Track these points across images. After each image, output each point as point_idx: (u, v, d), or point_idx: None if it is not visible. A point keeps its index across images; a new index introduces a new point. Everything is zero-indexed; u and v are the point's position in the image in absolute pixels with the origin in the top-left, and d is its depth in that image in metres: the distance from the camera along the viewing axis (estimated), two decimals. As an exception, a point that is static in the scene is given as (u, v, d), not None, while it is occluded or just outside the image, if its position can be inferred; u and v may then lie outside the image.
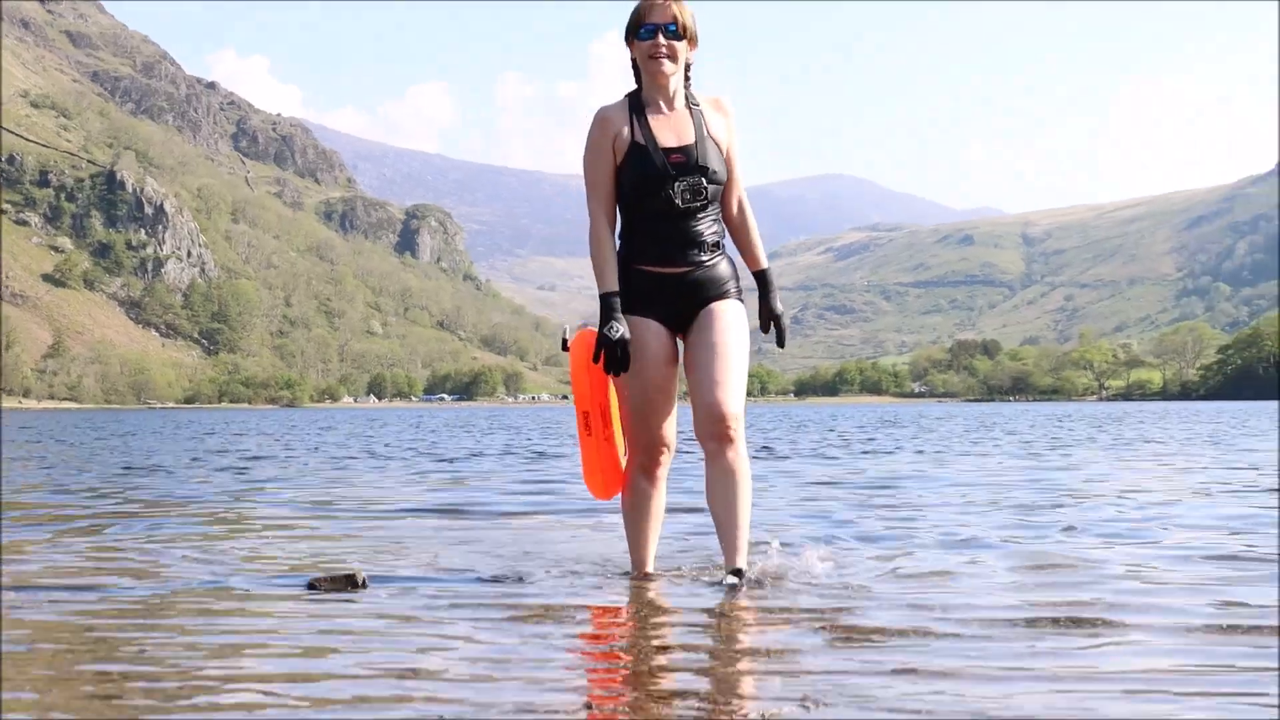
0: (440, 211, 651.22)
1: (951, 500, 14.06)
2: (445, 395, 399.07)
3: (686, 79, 6.06)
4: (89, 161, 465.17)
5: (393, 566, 8.14)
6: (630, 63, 6.06)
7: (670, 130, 5.84)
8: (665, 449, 5.99)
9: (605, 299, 5.97)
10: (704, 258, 5.98)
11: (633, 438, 6.01)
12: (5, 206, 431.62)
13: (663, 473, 6.11)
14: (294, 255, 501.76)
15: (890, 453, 26.71)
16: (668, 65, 5.84)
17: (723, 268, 6.14)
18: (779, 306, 6.21)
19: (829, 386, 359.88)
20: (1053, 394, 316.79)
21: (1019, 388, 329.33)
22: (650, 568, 6.30)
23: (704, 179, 5.79)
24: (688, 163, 5.77)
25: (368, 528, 10.87)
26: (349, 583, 7.16)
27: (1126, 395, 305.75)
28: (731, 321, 5.96)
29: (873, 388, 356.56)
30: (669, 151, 5.78)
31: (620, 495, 6.27)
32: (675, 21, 5.80)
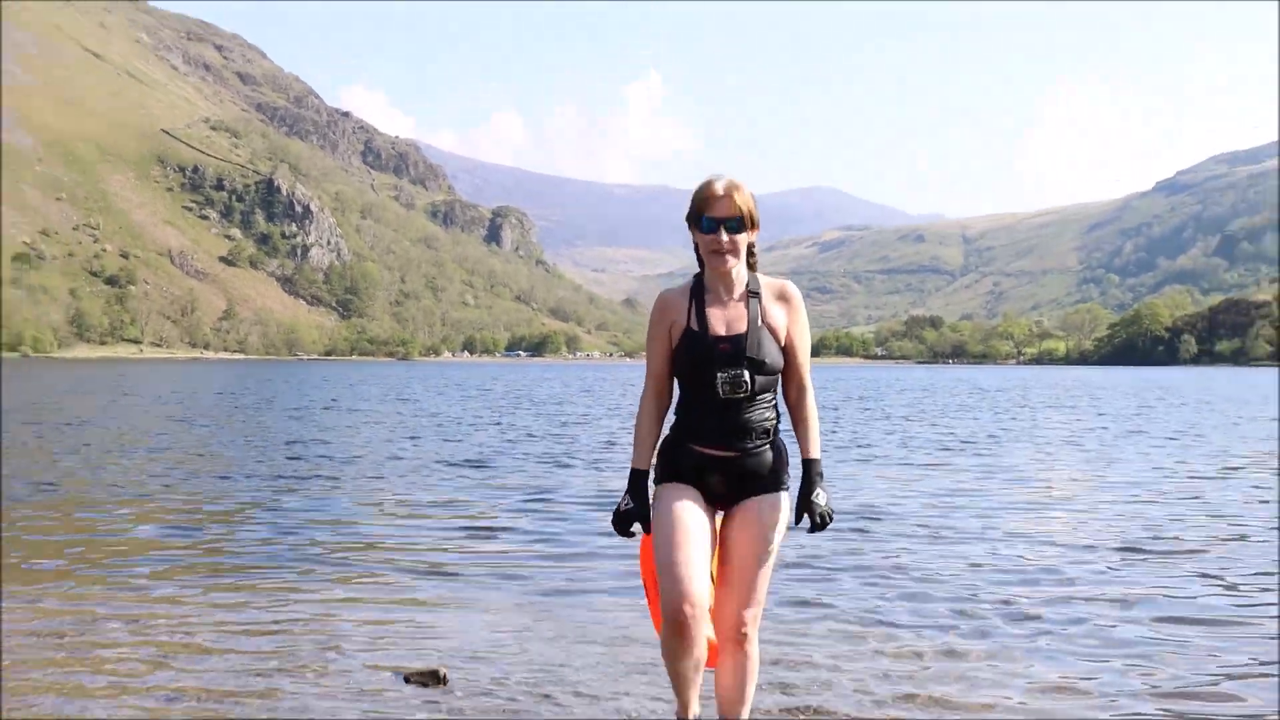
0: (518, 211, 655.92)
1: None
2: (521, 352, 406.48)
3: (750, 262, 5.05)
4: (254, 171, 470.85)
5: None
6: (694, 244, 5.00)
7: (723, 319, 4.86)
8: (693, 617, 4.78)
9: (633, 473, 5.09)
10: (750, 445, 4.91)
11: (664, 601, 4.89)
12: (190, 204, 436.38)
13: (697, 629, 4.83)
14: (407, 244, 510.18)
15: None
16: (730, 261, 4.87)
17: (768, 455, 5.00)
18: (820, 500, 5.00)
19: (813, 350, 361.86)
20: (982, 359, 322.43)
21: (956, 353, 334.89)
22: (696, 709, 5.06)
23: (748, 370, 4.77)
24: (734, 352, 4.77)
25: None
26: (434, 678, 6.82)
27: (1038, 360, 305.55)
28: (772, 524, 4.95)
29: (845, 351, 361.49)
30: (718, 340, 4.80)
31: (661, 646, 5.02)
32: (738, 216, 4.83)
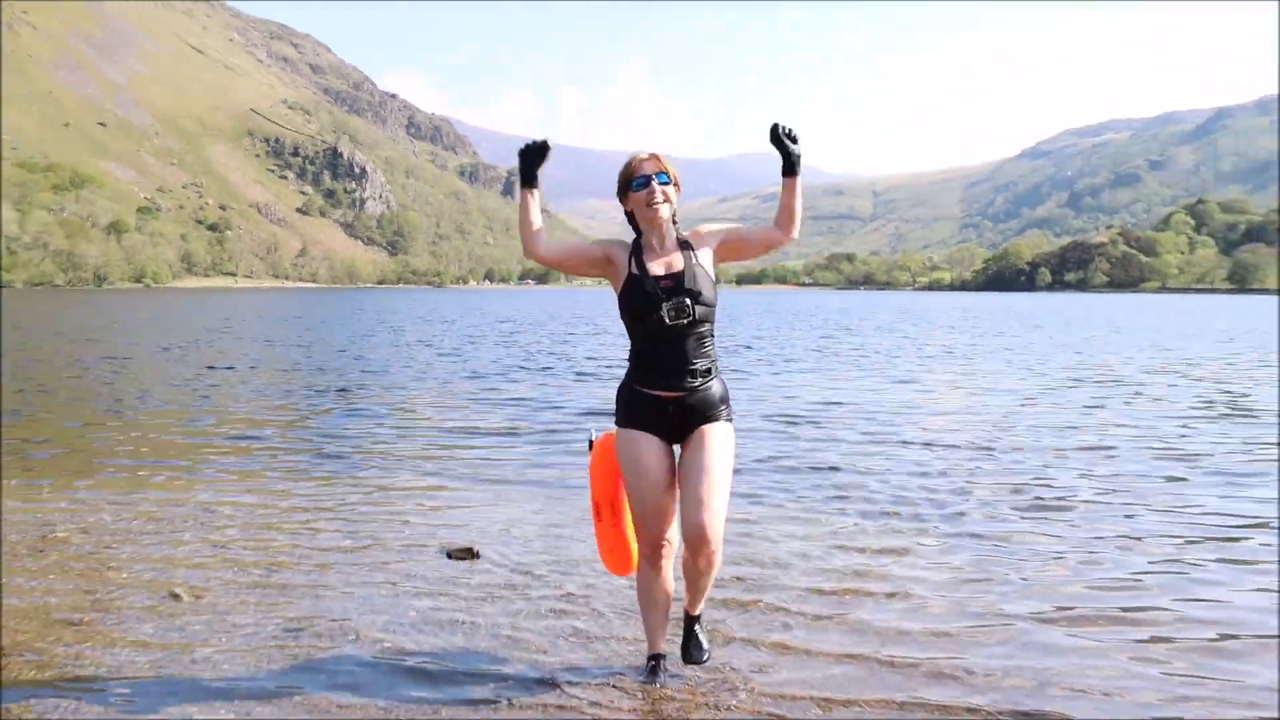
0: None
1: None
2: (530, 280, 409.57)
3: (674, 222, 4.56)
4: (322, 141, 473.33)
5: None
6: (626, 216, 4.63)
7: (662, 263, 4.46)
8: (667, 544, 4.58)
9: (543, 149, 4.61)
10: (696, 383, 4.44)
11: (639, 535, 4.62)
12: (272, 167, 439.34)
13: (667, 564, 4.65)
14: (441, 197, 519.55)
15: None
16: (664, 209, 4.46)
17: (714, 390, 4.53)
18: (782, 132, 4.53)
19: (755, 279, 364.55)
20: (886, 285, 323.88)
21: (866, 281, 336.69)
22: (662, 647, 4.77)
23: (689, 299, 4.36)
24: (676, 286, 4.38)
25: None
26: (469, 553, 6.82)
27: (929, 288, 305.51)
28: (720, 445, 4.47)
29: (780, 279, 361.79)
30: (660, 279, 4.41)
31: (637, 582, 4.77)
32: (664, 171, 4.50)
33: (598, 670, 4.79)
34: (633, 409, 4.54)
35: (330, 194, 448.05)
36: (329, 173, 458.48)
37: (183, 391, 16.75)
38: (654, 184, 4.46)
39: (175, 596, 5.75)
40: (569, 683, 4.61)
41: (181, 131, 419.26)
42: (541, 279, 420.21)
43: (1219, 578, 6.34)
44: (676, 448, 4.60)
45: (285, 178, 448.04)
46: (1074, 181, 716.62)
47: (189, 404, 15.08)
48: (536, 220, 4.56)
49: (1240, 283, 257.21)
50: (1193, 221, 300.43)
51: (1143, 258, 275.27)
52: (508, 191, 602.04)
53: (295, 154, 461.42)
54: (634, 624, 5.34)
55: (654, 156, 4.56)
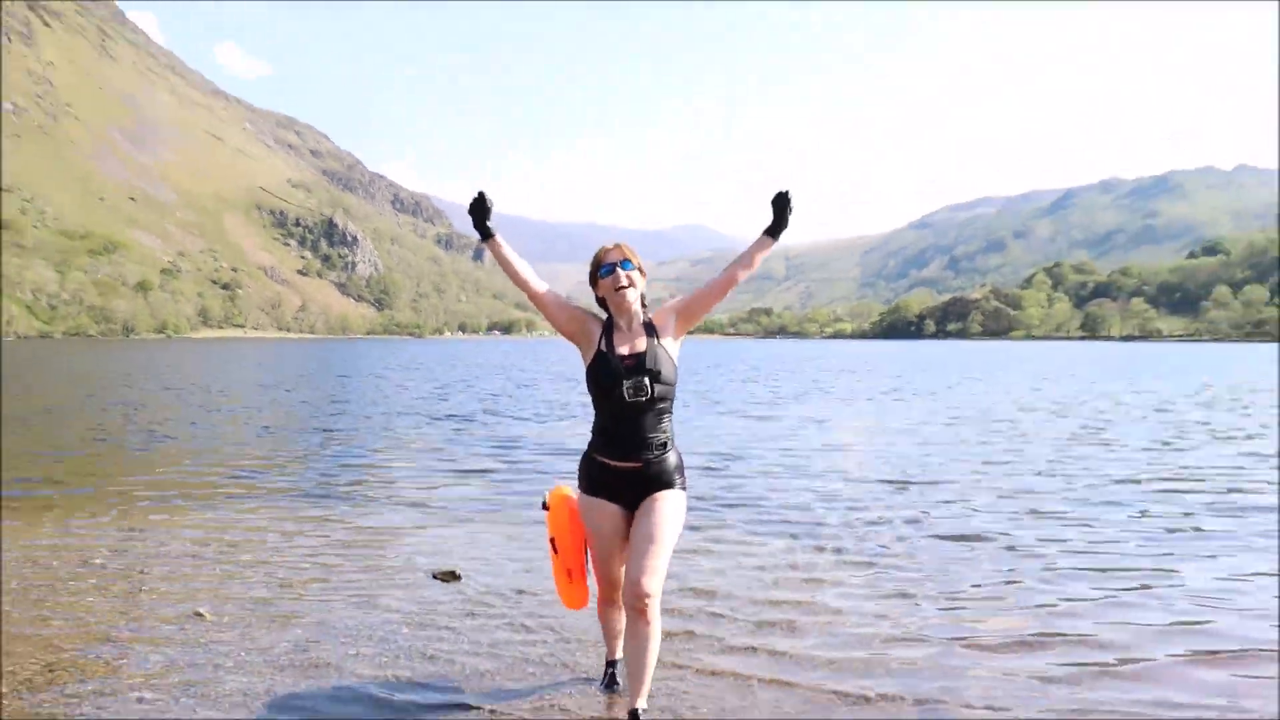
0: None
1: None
2: (496, 332, 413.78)
3: (644, 305, 4.34)
4: (320, 214, 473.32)
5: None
6: (597, 300, 4.42)
7: (627, 343, 4.21)
8: (618, 587, 4.41)
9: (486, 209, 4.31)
10: (653, 455, 4.19)
11: (598, 580, 4.45)
12: (277, 236, 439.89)
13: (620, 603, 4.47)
14: (421, 261, 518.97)
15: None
16: (630, 294, 4.24)
17: (669, 461, 4.26)
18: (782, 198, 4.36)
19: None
20: (798, 334, 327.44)
21: (782, 332, 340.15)
22: (618, 655, 4.68)
23: (649, 379, 4.11)
24: (637, 365, 4.13)
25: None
26: (452, 576, 6.74)
27: (834, 336, 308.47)
28: (669, 512, 4.18)
29: (708, 330, 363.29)
30: (623, 358, 4.16)
31: (597, 609, 4.63)
32: (629, 259, 4.27)
33: (565, 679, 4.85)
34: (594, 478, 4.29)
35: (326, 258, 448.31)
36: (325, 240, 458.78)
37: (202, 431, 16.47)
38: (619, 271, 4.24)
39: (199, 616, 5.73)
40: (540, 690, 4.68)
41: (200, 206, 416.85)
42: (506, 329, 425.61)
43: (1128, 601, 6.19)
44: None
45: (288, 244, 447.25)
46: (953, 248, 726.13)
47: (207, 443, 14.80)
48: (516, 260, 4.34)
49: (1091, 331, 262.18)
50: (1050, 281, 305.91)
51: (1010, 311, 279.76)
52: (478, 257, 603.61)
53: (297, 224, 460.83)
54: (593, 641, 5.42)
55: (618, 246, 4.32)
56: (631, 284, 4.25)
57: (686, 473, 4.38)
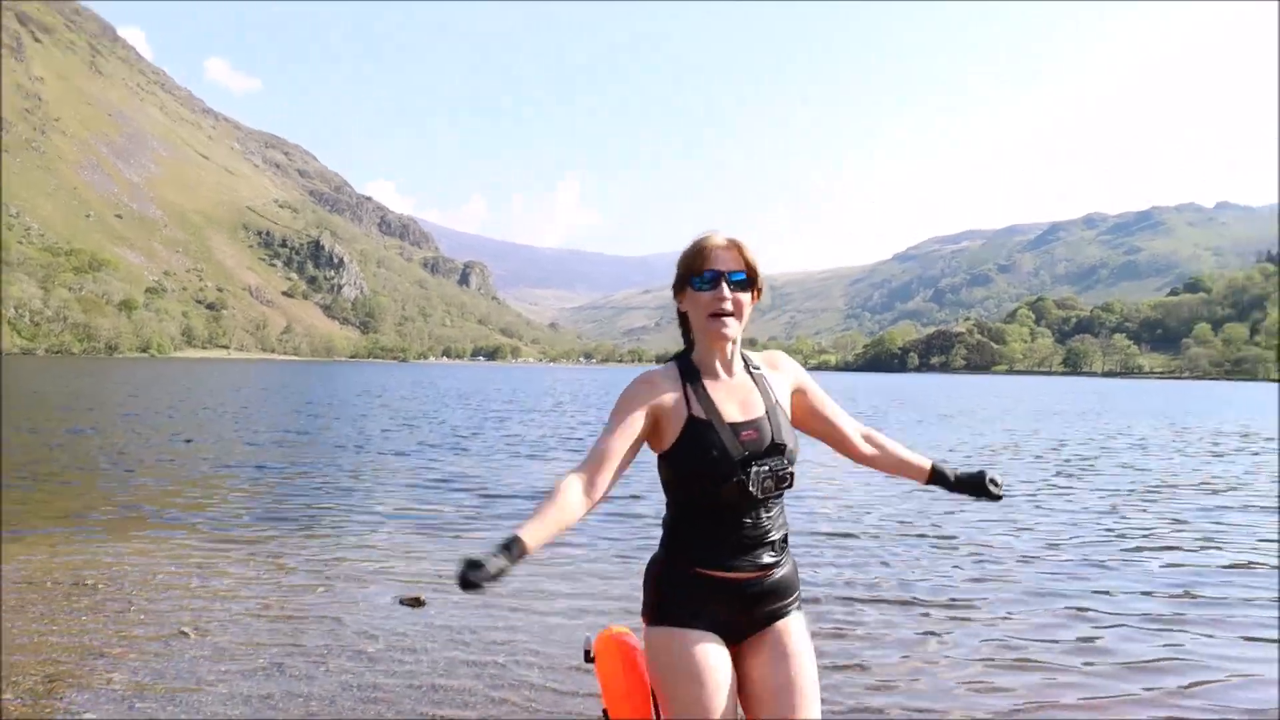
0: (480, 264, 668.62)
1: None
2: (481, 357, 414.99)
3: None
4: (306, 235, 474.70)
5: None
6: (678, 317, 2.87)
7: (735, 401, 2.72)
8: None
9: (513, 539, 2.37)
10: (770, 560, 2.71)
11: None
12: (263, 256, 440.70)
13: None
14: (407, 285, 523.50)
15: None
16: (731, 325, 2.69)
17: (789, 570, 2.77)
18: (990, 478, 2.93)
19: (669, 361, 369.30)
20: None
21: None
22: None
23: (784, 459, 2.68)
24: (760, 439, 2.65)
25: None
26: (417, 601, 6.98)
27: (819, 368, 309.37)
28: (803, 650, 2.72)
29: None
30: (738, 428, 2.65)
31: None
32: (742, 269, 2.71)
33: (527, 701, 5.08)
34: (689, 598, 2.68)
35: (312, 280, 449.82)
36: (312, 262, 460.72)
37: (182, 456, 16.81)
38: (723, 286, 2.69)
39: (183, 634, 6.11)
40: (504, 712, 4.89)
41: (187, 224, 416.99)
42: (491, 355, 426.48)
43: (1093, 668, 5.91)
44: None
45: (274, 265, 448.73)
46: (938, 280, 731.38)
47: (189, 468, 15.18)
48: (559, 515, 2.47)
49: (1073, 367, 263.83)
50: (1034, 315, 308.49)
51: (994, 345, 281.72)
52: (464, 281, 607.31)
53: (284, 245, 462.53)
54: (544, 670, 5.74)
55: (733, 245, 2.74)
56: (739, 312, 2.74)
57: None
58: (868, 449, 2.98)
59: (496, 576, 2.31)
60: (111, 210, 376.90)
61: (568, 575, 8.11)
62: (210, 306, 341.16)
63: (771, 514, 2.71)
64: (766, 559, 2.70)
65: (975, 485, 2.92)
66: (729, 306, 2.68)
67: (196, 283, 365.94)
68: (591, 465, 2.58)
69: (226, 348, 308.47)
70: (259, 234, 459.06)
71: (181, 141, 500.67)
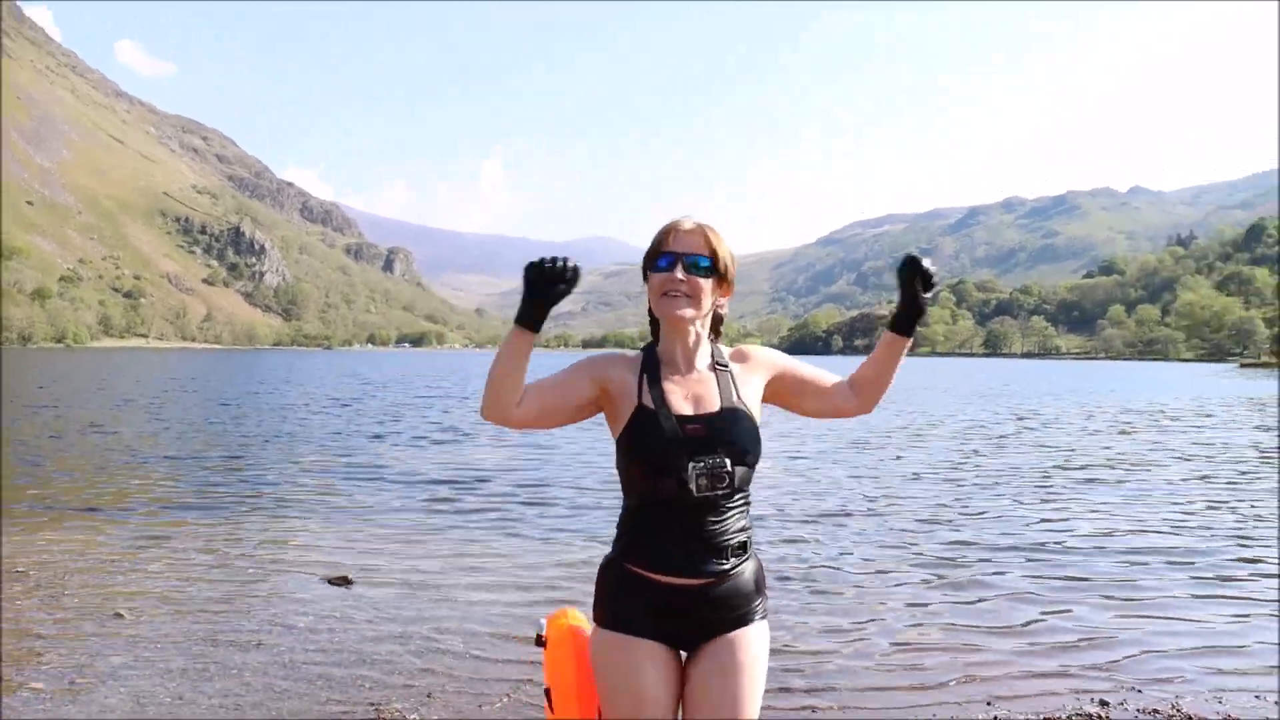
0: (404, 250, 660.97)
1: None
2: (406, 344, 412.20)
3: (716, 333, 2.72)
4: (226, 221, 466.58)
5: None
6: (650, 317, 2.69)
7: (688, 395, 2.54)
8: None
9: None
10: (727, 565, 2.50)
11: None
12: (182, 243, 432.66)
13: None
14: (330, 272, 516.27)
15: None
16: (685, 308, 2.50)
17: (748, 576, 2.54)
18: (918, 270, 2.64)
19: (599, 344, 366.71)
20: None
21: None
22: None
23: (729, 459, 2.45)
24: (708, 437, 2.46)
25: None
26: (345, 580, 7.16)
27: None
28: (754, 663, 2.51)
29: (623, 345, 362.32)
30: (684, 421, 2.47)
31: None
32: (706, 253, 2.53)
33: (452, 676, 5.32)
34: (629, 603, 2.53)
35: (233, 267, 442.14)
36: (232, 249, 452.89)
37: (108, 447, 16.79)
38: (679, 267, 2.51)
39: (119, 616, 6.26)
40: (428, 688, 5.10)
41: (102, 211, 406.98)
42: (416, 342, 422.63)
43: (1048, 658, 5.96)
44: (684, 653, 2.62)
45: (193, 252, 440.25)
46: (861, 264, 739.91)
47: (113, 457, 15.20)
48: (520, 376, 2.45)
49: (993, 348, 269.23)
50: (954, 298, 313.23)
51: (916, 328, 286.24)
52: (388, 267, 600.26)
53: (203, 232, 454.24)
54: (467, 638, 6.09)
55: (699, 230, 2.56)
56: (694, 296, 2.53)
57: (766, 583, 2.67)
58: (864, 390, 2.71)
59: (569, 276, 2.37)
60: (23, 196, 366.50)
61: (491, 555, 8.45)
62: (128, 295, 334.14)
63: (723, 518, 2.50)
64: (716, 565, 2.49)
65: (911, 293, 2.68)
66: (682, 287, 2.52)
67: (113, 270, 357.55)
68: (537, 391, 2.49)
69: (146, 336, 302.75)
70: (177, 220, 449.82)
71: (94, 126, 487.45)
